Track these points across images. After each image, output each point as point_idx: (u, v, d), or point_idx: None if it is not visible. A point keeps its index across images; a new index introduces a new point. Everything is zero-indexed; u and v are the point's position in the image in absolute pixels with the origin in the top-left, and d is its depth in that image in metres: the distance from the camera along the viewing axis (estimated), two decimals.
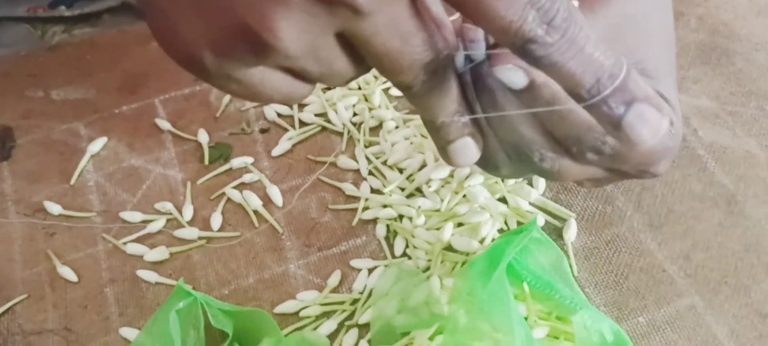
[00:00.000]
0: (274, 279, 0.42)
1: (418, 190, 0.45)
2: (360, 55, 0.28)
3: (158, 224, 0.44)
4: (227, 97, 0.51)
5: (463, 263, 0.40)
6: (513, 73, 0.29)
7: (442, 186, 0.44)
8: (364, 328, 0.39)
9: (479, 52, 0.30)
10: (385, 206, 0.44)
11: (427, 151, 0.46)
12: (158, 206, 0.45)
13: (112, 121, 0.51)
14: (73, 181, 0.47)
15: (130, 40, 0.56)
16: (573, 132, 0.31)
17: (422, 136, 0.47)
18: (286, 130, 0.49)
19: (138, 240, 0.44)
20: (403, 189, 0.45)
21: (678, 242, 0.42)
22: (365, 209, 0.44)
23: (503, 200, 0.43)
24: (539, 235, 0.39)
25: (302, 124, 0.50)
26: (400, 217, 0.43)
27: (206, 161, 0.48)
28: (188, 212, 0.45)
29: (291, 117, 0.50)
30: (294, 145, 0.48)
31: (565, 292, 0.37)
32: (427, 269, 0.41)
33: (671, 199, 0.44)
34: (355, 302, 0.40)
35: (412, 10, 0.27)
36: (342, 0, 0.25)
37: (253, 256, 0.43)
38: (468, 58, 0.30)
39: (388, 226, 0.43)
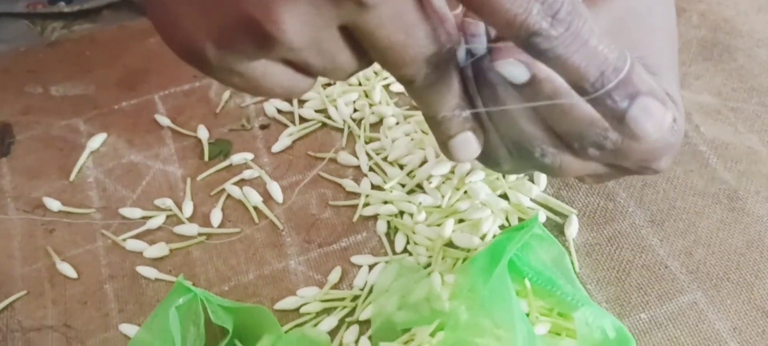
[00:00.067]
0: (274, 275, 0.42)
1: (419, 186, 0.44)
2: (363, 49, 0.28)
3: (158, 220, 0.44)
4: (227, 93, 0.51)
5: (464, 260, 0.40)
6: (514, 68, 0.29)
7: (443, 182, 0.44)
8: (364, 324, 0.39)
9: (480, 45, 0.30)
10: (385, 203, 0.44)
11: (428, 148, 0.46)
12: (158, 202, 0.45)
13: (111, 118, 0.51)
14: (72, 177, 0.47)
15: (130, 36, 0.56)
16: (574, 127, 0.31)
17: (423, 132, 0.47)
18: (286, 126, 0.49)
19: (138, 236, 0.44)
20: (403, 185, 0.45)
21: (680, 238, 0.42)
22: (366, 205, 0.44)
23: (504, 196, 0.43)
24: (541, 231, 0.39)
25: (302, 120, 0.49)
26: (401, 213, 0.43)
27: (206, 157, 0.48)
28: (188, 209, 0.45)
29: (291, 113, 0.50)
30: (294, 142, 0.48)
31: (567, 288, 0.37)
32: (428, 265, 0.41)
33: (673, 195, 0.43)
34: (355, 298, 0.40)
35: (416, 3, 0.27)
36: None
37: (253, 252, 0.43)
38: (469, 53, 0.30)
39: (388, 222, 0.43)
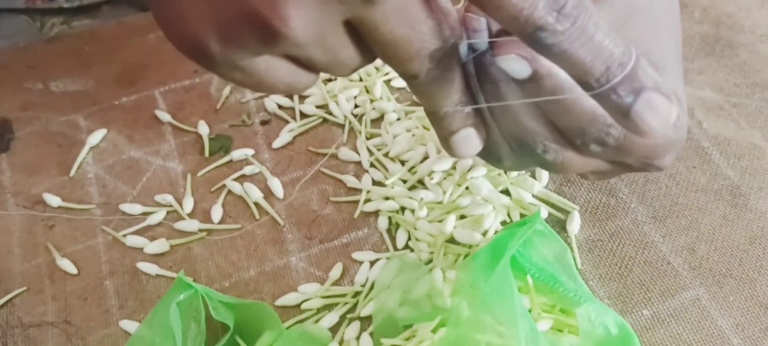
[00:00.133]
0: (275, 272, 0.42)
1: (421, 182, 0.44)
2: (366, 44, 0.28)
3: (158, 216, 0.44)
4: (228, 89, 0.51)
5: (466, 256, 0.40)
6: (516, 63, 0.29)
7: (445, 178, 0.44)
8: (365, 321, 0.39)
9: (482, 41, 0.30)
10: (387, 198, 0.44)
11: (429, 143, 0.45)
12: (158, 198, 0.45)
13: (111, 113, 0.50)
14: (72, 173, 0.47)
15: (130, 32, 0.55)
16: (576, 123, 0.31)
17: (424, 127, 0.47)
18: (286, 122, 0.49)
19: (138, 232, 0.43)
20: (405, 181, 0.44)
21: (682, 234, 0.41)
22: (367, 201, 0.44)
23: (506, 192, 0.43)
24: (543, 227, 0.38)
25: (303, 115, 0.49)
26: (402, 209, 0.43)
27: (206, 153, 0.48)
28: (188, 204, 0.45)
29: (292, 109, 0.50)
30: (295, 137, 0.48)
31: (569, 285, 0.37)
32: (430, 261, 0.41)
33: (675, 191, 0.43)
34: (356, 294, 0.40)
35: None
36: None
37: (254, 248, 0.43)
38: (471, 48, 0.30)
39: (390, 218, 0.43)
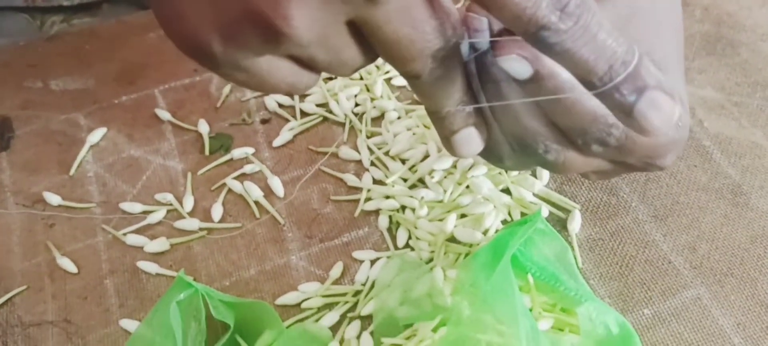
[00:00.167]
0: (275, 270, 0.41)
1: (421, 181, 0.44)
2: (368, 44, 0.28)
3: (158, 214, 0.44)
4: (228, 88, 0.51)
5: (467, 255, 0.40)
6: (517, 64, 0.28)
7: (445, 177, 0.44)
8: (366, 320, 0.39)
9: (483, 40, 0.30)
10: (387, 197, 0.44)
11: (430, 142, 0.45)
12: (158, 196, 0.45)
13: (111, 112, 0.50)
14: (72, 171, 0.47)
15: (130, 30, 0.55)
16: (578, 123, 0.30)
17: (425, 126, 0.47)
18: (287, 120, 0.49)
19: (138, 231, 0.43)
20: (405, 180, 0.44)
21: (683, 233, 0.41)
22: (367, 199, 0.44)
23: (507, 190, 0.43)
24: (543, 226, 0.38)
25: (303, 114, 0.49)
26: (403, 208, 0.43)
27: (207, 152, 0.48)
28: (189, 203, 0.45)
29: (292, 107, 0.50)
30: (295, 136, 0.48)
31: (570, 284, 0.37)
32: (430, 260, 0.40)
33: (676, 190, 0.43)
34: (357, 293, 0.40)
35: None
36: None
37: (254, 247, 0.43)
38: (472, 47, 0.30)
39: (390, 217, 0.43)
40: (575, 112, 0.30)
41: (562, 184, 0.44)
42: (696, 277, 0.40)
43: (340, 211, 0.44)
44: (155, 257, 0.42)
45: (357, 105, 0.49)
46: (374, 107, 0.49)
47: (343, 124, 0.48)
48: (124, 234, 0.43)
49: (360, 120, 0.48)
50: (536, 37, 0.25)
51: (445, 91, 0.30)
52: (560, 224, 0.42)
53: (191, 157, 0.47)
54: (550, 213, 0.42)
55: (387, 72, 0.50)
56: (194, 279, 0.40)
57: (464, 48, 0.30)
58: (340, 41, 0.27)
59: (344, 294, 0.40)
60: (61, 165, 0.47)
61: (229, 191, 0.45)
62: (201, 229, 0.43)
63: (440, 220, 0.42)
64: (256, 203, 0.44)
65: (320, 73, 0.29)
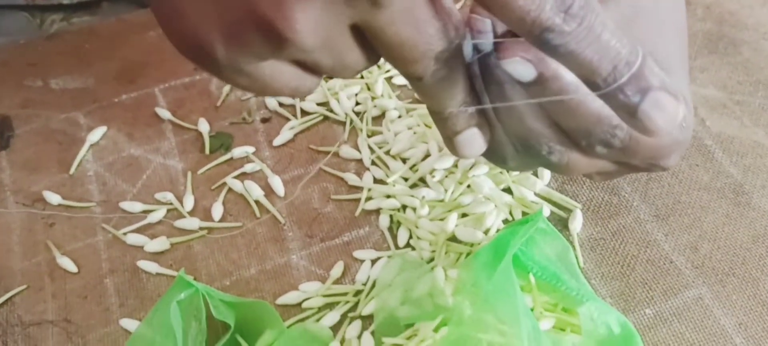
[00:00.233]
0: (276, 270, 0.41)
1: (422, 180, 0.44)
2: (371, 46, 0.27)
3: (159, 214, 0.44)
4: (228, 86, 0.51)
5: (468, 254, 0.40)
6: (520, 66, 0.28)
7: (446, 176, 0.44)
8: (367, 319, 0.39)
9: (487, 41, 0.30)
10: (388, 197, 0.43)
11: (431, 141, 0.45)
12: (159, 196, 0.45)
13: (111, 111, 0.50)
14: (72, 170, 0.47)
15: (130, 29, 0.55)
16: (582, 125, 0.30)
17: (426, 125, 0.47)
18: (287, 119, 0.49)
19: (138, 230, 0.43)
20: (406, 179, 0.44)
21: (685, 232, 0.41)
22: (368, 199, 0.44)
23: (508, 190, 0.43)
24: (545, 225, 0.38)
25: (304, 113, 0.49)
26: (404, 207, 0.43)
27: (207, 151, 0.47)
28: (189, 202, 0.44)
29: (292, 106, 0.49)
30: (296, 135, 0.48)
31: (572, 283, 0.37)
32: (431, 259, 0.40)
33: (678, 189, 0.43)
34: (358, 293, 0.40)
35: (427, 0, 0.26)
36: None
37: (254, 246, 0.42)
38: (475, 48, 0.30)
39: (391, 216, 0.43)
40: (579, 114, 0.30)
41: (563, 183, 0.44)
42: (698, 277, 0.40)
43: (341, 210, 0.44)
44: (155, 256, 0.42)
45: (358, 104, 0.49)
46: (375, 106, 0.48)
47: (343, 123, 0.48)
48: (125, 233, 0.43)
49: (361, 119, 0.48)
50: (540, 39, 0.25)
51: (447, 93, 0.30)
52: (562, 224, 0.42)
53: (191, 156, 0.47)
54: (552, 212, 0.42)
55: (388, 71, 0.50)
56: (194, 279, 0.40)
57: (467, 49, 0.30)
58: (343, 45, 0.27)
59: (345, 294, 0.40)
60: (61, 164, 0.47)
61: (230, 190, 0.45)
62: (201, 228, 0.43)
63: (441, 219, 0.42)
64: (257, 202, 0.44)
65: (322, 76, 0.29)
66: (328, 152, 0.47)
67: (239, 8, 0.25)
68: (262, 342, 0.37)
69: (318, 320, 0.39)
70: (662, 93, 0.26)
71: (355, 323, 0.38)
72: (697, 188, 0.43)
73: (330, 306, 0.39)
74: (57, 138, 0.49)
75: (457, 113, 0.30)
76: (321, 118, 0.49)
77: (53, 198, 0.45)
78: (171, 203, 0.45)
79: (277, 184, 0.45)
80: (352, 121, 0.48)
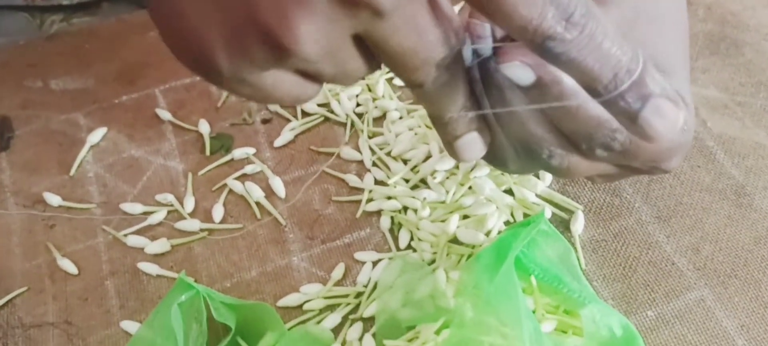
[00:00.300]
0: (277, 272, 0.41)
1: (423, 181, 0.44)
2: (372, 55, 0.27)
3: (159, 215, 0.44)
4: None
5: (469, 256, 0.40)
6: (519, 70, 0.28)
7: (448, 177, 0.43)
8: (368, 321, 0.39)
9: (486, 46, 0.30)
10: (389, 198, 0.43)
11: (432, 142, 0.45)
12: (159, 197, 0.45)
13: (111, 112, 0.50)
14: (72, 172, 0.47)
15: (130, 29, 0.55)
16: (582, 128, 0.30)
17: (427, 126, 0.47)
18: (288, 120, 0.49)
19: (139, 232, 0.43)
20: (407, 180, 0.44)
21: (687, 234, 0.41)
22: (369, 200, 0.44)
23: (509, 191, 0.43)
24: (546, 227, 0.38)
25: (305, 114, 0.49)
26: (405, 209, 0.43)
27: (207, 152, 0.47)
28: (189, 204, 0.44)
29: (293, 107, 0.49)
30: (296, 136, 0.48)
31: (573, 285, 0.37)
32: (433, 261, 0.40)
33: (680, 191, 0.43)
34: (359, 295, 0.40)
35: (428, 8, 0.26)
36: (365, 1, 0.24)
37: (255, 248, 0.42)
38: (475, 53, 0.30)
39: (392, 218, 0.43)
40: (579, 118, 0.30)
41: (564, 185, 0.44)
42: (699, 278, 0.39)
43: (342, 212, 0.44)
44: (156, 258, 0.42)
45: (359, 105, 0.49)
46: (376, 107, 0.48)
47: (344, 125, 0.48)
48: (125, 235, 0.43)
49: (361, 120, 0.48)
50: (542, 47, 0.25)
51: (448, 98, 0.30)
52: (563, 225, 0.42)
53: (192, 158, 0.47)
54: (553, 214, 0.42)
55: (388, 72, 0.50)
56: (195, 280, 0.40)
57: (467, 54, 0.30)
58: (345, 54, 0.27)
59: (346, 296, 0.40)
60: (61, 165, 0.47)
61: (230, 191, 0.45)
62: (202, 230, 0.43)
63: (442, 221, 0.42)
64: (257, 203, 0.44)
65: (323, 83, 0.29)
66: (328, 153, 0.47)
67: (242, 19, 0.25)
68: (263, 344, 0.37)
69: (319, 322, 0.39)
70: (663, 100, 0.26)
71: (357, 325, 0.38)
72: (698, 189, 0.43)
73: (331, 308, 0.39)
74: (57, 139, 0.49)
75: (457, 118, 0.30)
76: (322, 119, 0.49)
77: (53, 199, 0.45)
78: (171, 205, 0.44)
79: (277, 185, 0.45)
80: (353, 123, 0.48)
